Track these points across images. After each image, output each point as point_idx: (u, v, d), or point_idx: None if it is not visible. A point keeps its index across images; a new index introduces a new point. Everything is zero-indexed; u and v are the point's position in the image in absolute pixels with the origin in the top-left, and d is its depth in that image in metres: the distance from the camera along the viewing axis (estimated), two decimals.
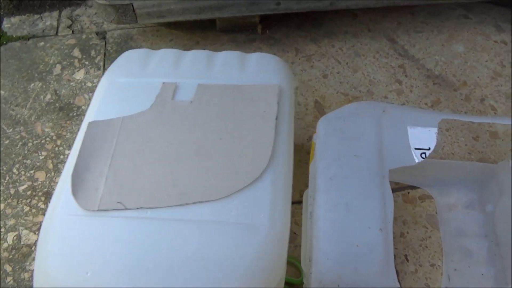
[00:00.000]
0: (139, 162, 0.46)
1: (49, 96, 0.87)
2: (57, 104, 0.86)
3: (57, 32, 1.00)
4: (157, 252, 0.40)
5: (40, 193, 0.74)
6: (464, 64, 0.94)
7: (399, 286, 0.41)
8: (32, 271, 0.65)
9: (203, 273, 0.39)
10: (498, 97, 0.88)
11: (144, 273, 0.39)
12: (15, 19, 1.03)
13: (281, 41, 0.98)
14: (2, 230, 0.70)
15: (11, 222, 0.70)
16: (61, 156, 0.78)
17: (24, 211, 0.72)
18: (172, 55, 0.57)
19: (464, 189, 0.73)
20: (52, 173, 0.76)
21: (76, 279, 0.39)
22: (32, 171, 0.76)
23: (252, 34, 0.99)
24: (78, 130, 0.81)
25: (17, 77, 0.90)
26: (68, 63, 0.93)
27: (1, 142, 0.80)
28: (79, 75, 0.91)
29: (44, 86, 0.89)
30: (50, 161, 0.78)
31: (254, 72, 0.55)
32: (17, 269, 0.66)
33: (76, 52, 0.95)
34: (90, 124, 0.50)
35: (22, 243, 0.68)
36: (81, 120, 0.83)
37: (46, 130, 0.82)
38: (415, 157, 0.52)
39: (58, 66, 0.92)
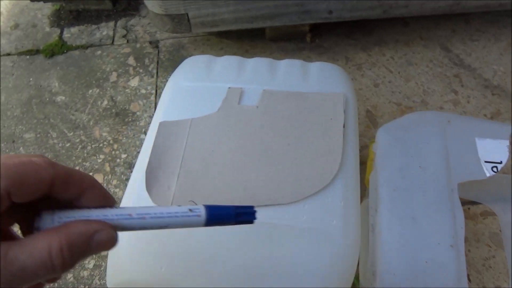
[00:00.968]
0: (209, 163, 0.47)
1: (106, 102, 0.91)
2: (113, 110, 0.89)
3: (113, 42, 1.04)
4: (229, 252, 0.41)
5: None
6: None
7: None
8: (91, 269, 0.67)
9: (275, 276, 0.39)
10: None
11: (216, 271, 0.40)
12: (74, 29, 1.08)
13: (330, 49, 0.97)
14: None
15: None
16: (118, 160, 0.81)
17: None
18: (235, 61, 0.58)
19: None
20: (109, 176, 0.79)
21: (150, 274, 0.40)
22: (91, 173, 0.79)
23: (301, 43, 0.99)
24: (134, 135, 0.84)
25: (76, 83, 0.95)
26: (124, 71, 0.96)
27: (63, 145, 0.84)
28: (134, 82, 0.94)
29: (101, 93, 0.92)
30: (107, 164, 0.80)
31: (316, 81, 0.55)
32: (77, 267, 0.68)
33: (131, 60, 0.98)
34: (161, 124, 0.51)
35: None
36: (136, 126, 0.86)
37: (104, 134, 0.85)
38: (486, 171, 0.49)
39: (114, 74, 0.96)
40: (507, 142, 0.51)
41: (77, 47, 1.03)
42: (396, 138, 0.53)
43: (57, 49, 1.02)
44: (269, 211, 0.43)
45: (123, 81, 0.94)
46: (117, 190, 0.77)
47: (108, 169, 0.80)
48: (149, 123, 0.85)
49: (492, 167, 0.49)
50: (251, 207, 0.28)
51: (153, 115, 0.87)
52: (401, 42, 0.98)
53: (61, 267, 0.22)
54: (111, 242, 0.24)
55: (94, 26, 1.08)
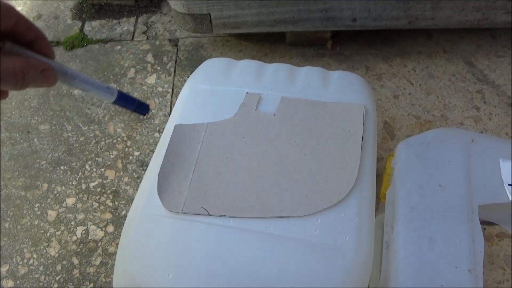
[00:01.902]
0: (223, 169, 0.46)
1: None
2: None
3: (133, 37, 1.04)
4: (237, 262, 0.40)
5: (108, 191, 0.76)
6: None
7: None
8: (97, 266, 0.67)
9: None
10: None
11: (224, 281, 0.39)
12: (95, 23, 1.09)
13: (351, 57, 0.96)
14: (73, 223, 0.72)
15: (80, 216, 0.73)
16: (130, 157, 0.81)
17: (93, 207, 0.74)
18: (254, 65, 0.57)
19: None
20: (121, 173, 0.78)
21: (157, 280, 0.39)
22: (103, 169, 0.79)
23: (322, 49, 0.98)
24: (148, 133, 0.84)
25: (94, 77, 0.95)
26: (142, 67, 0.96)
27: (77, 138, 0.84)
28: (151, 79, 0.94)
29: (119, 88, 0.92)
30: (120, 160, 0.80)
31: (337, 89, 0.54)
32: (83, 263, 0.68)
33: (150, 57, 0.98)
34: (176, 126, 0.50)
35: (89, 238, 0.71)
36: (151, 124, 0.86)
37: (118, 130, 0.85)
38: (508, 194, 0.47)
39: (132, 70, 0.96)
40: None
41: (97, 41, 1.03)
42: (417, 154, 0.52)
43: (77, 42, 1.03)
44: (281, 223, 0.42)
45: (140, 78, 0.94)
46: (127, 187, 0.77)
47: (120, 165, 0.80)
48: (164, 122, 0.85)
49: None
50: (148, 106, 0.40)
51: (168, 113, 0.87)
52: (423, 54, 0.96)
53: (20, 83, 0.30)
54: (53, 79, 0.32)
55: (115, 21, 1.09)
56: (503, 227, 0.69)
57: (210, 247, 0.41)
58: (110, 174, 0.79)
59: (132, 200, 0.64)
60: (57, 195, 0.76)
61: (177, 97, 0.56)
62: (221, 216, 0.43)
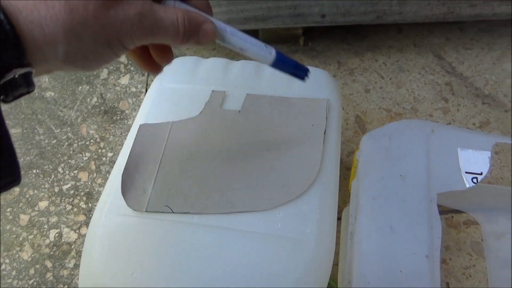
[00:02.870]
0: (187, 168, 0.47)
1: (95, 99, 0.90)
2: (102, 107, 0.89)
3: None
4: (201, 258, 0.40)
5: (82, 193, 0.76)
6: None
7: None
8: (71, 268, 0.67)
9: (246, 284, 0.39)
10: None
11: (188, 278, 0.39)
12: None
13: (323, 53, 0.97)
14: (46, 226, 0.72)
15: (53, 219, 0.73)
16: (103, 158, 0.81)
17: (66, 210, 0.74)
18: (221, 63, 0.58)
19: None
20: (94, 174, 0.78)
21: (121, 279, 0.40)
22: (76, 171, 0.79)
23: (294, 46, 0.99)
24: (122, 133, 0.83)
25: (66, 79, 0.94)
26: (115, 68, 0.96)
27: (49, 141, 0.83)
28: (124, 80, 0.93)
29: (91, 90, 0.92)
30: (93, 162, 0.80)
31: (302, 85, 0.54)
32: (57, 266, 0.68)
33: (123, 58, 0.98)
34: (141, 126, 0.51)
35: (63, 240, 0.70)
36: (124, 124, 0.85)
37: (91, 132, 0.84)
38: (465, 182, 0.49)
39: (105, 71, 0.95)
40: (489, 153, 0.51)
41: None
42: (379, 146, 0.53)
43: None
44: (244, 218, 0.43)
45: (113, 79, 0.94)
46: (101, 189, 0.76)
47: (93, 167, 0.79)
48: None
49: (472, 178, 0.49)
50: (307, 69, 0.38)
51: None
52: (394, 48, 0.98)
53: (181, 35, 0.30)
54: (212, 35, 0.32)
55: None
56: (470, 214, 0.71)
57: (173, 244, 0.41)
58: (83, 176, 0.78)
59: None
60: (29, 198, 0.75)
61: None
62: (185, 213, 0.43)
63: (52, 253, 0.69)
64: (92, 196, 0.75)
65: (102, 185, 0.77)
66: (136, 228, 0.43)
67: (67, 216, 0.73)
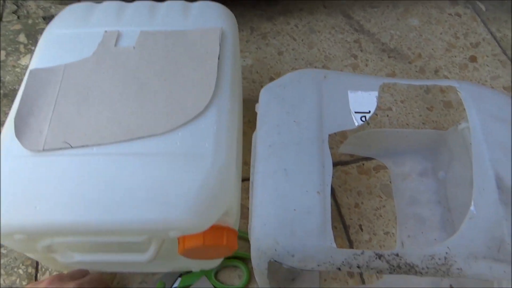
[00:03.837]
0: (84, 105, 0.47)
1: None
2: (1, 91, 0.82)
3: (1, 18, 0.96)
4: (102, 185, 0.42)
5: None
6: (419, 37, 0.95)
7: (335, 246, 0.41)
8: None
9: (148, 202, 0.41)
10: (452, 68, 0.89)
11: (89, 205, 0.41)
12: None
13: (236, 20, 0.96)
14: None
15: None
16: None
17: None
18: (114, 5, 0.59)
19: (417, 157, 0.74)
20: None
21: (24, 213, 0.40)
22: None
23: None
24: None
25: None
26: (13, 49, 0.89)
27: None
28: (25, 60, 0.87)
29: None
30: None
31: (197, 19, 0.57)
32: None
33: (22, 38, 0.91)
34: (31, 71, 0.50)
35: None
36: None
37: None
38: (355, 121, 0.51)
39: (3, 53, 0.89)
40: (376, 93, 0.53)
41: None
42: (275, 97, 0.54)
43: None
44: (143, 143, 0.44)
45: (12, 60, 0.87)
46: None
47: None
48: None
49: (361, 117, 0.51)
50: None
51: None
52: (305, 11, 0.99)
53: None
54: None
55: None
56: (377, 159, 0.75)
57: (73, 176, 0.42)
58: None
59: None
60: None
61: None
62: (83, 146, 0.44)
63: None
64: None
65: None
66: (35, 167, 0.43)
67: None
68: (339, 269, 0.39)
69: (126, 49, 0.52)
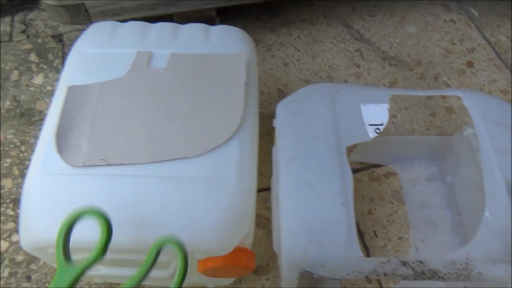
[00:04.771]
0: (119, 124, 0.49)
1: (8, 103, 0.85)
2: (17, 110, 0.84)
3: (11, 38, 0.97)
4: (135, 206, 0.44)
5: (8, 200, 0.73)
6: (417, 44, 0.98)
7: (362, 255, 0.43)
8: (6, 278, 0.64)
9: (177, 225, 0.43)
10: (451, 73, 0.93)
11: (122, 224, 0.43)
12: None
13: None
14: None
15: None
16: (26, 162, 0.77)
17: None
18: (138, 26, 0.61)
19: (425, 163, 0.77)
20: (19, 180, 0.75)
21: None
22: None
23: None
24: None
25: None
26: (26, 68, 0.91)
27: None
28: (38, 79, 0.89)
29: (3, 93, 0.87)
30: (15, 167, 0.76)
31: (218, 42, 0.59)
32: None
33: (33, 57, 0.93)
34: (69, 88, 0.52)
35: None
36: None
37: (9, 137, 0.80)
38: (369, 133, 0.54)
39: (15, 72, 0.90)
40: (387, 105, 0.56)
41: None
42: (291, 112, 0.57)
43: None
44: (174, 165, 0.46)
45: (26, 79, 0.89)
46: None
47: (17, 172, 0.76)
48: None
49: (375, 129, 0.54)
50: None
51: None
52: (306, 22, 1.02)
53: None
54: None
55: None
56: (387, 166, 0.78)
57: (109, 195, 0.44)
58: (7, 183, 0.75)
59: None
60: None
61: None
62: (120, 164, 0.46)
63: None
64: (19, 202, 0.72)
65: None
66: (71, 184, 0.45)
67: None
68: (367, 277, 0.42)
69: (158, 70, 0.54)
